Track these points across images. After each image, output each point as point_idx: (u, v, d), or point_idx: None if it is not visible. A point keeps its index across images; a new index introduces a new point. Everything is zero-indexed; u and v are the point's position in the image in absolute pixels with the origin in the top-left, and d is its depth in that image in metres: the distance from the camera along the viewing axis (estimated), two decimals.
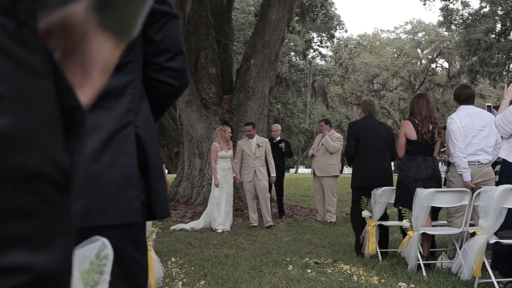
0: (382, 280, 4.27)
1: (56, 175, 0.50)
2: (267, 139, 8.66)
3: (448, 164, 5.23)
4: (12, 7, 0.49)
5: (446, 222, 5.70)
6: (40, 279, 0.47)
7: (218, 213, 7.63)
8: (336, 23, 27.71)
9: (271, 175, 8.28)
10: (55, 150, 0.51)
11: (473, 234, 4.22)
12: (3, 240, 0.45)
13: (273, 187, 9.18)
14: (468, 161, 4.79)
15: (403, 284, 4.15)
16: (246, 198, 8.33)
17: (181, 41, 1.40)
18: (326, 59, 34.90)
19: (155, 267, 3.83)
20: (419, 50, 35.94)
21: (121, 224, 1.24)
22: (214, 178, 7.83)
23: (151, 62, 1.35)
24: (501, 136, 4.58)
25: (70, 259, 0.51)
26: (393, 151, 5.81)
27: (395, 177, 5.65)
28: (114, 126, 1.24)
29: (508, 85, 4.68)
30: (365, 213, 5.48)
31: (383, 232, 5.58)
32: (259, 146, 8.11)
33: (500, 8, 21.30)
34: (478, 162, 4.82)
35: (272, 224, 7.96)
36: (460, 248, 4.42)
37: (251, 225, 8.03)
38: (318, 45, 29.79)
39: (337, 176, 8.88)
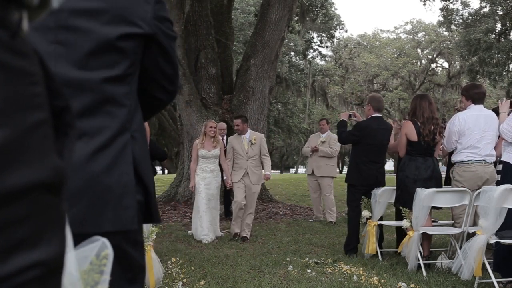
0: (382, 280, 4.27)
1: (51, 180, 0.53)
2: (262, 135, 7.39)
3: (452, 164, 5.23)
4: (5, 18, 0.50)
5: (446, 222, 5.71)
6: (49, 269, 0.52)
7: (200, 222, 6.63)
8: (336, 23, 27.71)
9: (265, 173, 7.05)
10: (49, 155, 0.53)
11: (473, 234, 4.22)
12: (7, 248, 0.48)
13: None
14: (476, 160, 4.84)
15: (403, 284, 4.15)
16: (233, 201, 7.00)
17: (178, 63, 1.51)
18: (326, 59, 34.89)
19: (155, 267, 3.83)
20: (419, 50, 35.91)
21: (117, 231, 1.27)
22: (190, 179, 6.88)
23: (153, 81, 1.44)
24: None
25: (64, 249, 0.56)
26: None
27: (392, 176, 5.66)
28: (113, 133, 1.28)
29: (502, 100, 4.86)
30: (365, 213, 5.48)
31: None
32: (252, 143, 6.90)
33: (500, 8, 21.30)
34: (485, 161, 4.84)
35: (248, 236, 6.74)
36: (460, 248, 4.43)
37: (242, 235, 6.76)
38: (318, 45, 29.81)
39: (334, 176, 8.98)
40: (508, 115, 4.63)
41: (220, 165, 6.99)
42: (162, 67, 1.42)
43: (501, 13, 21.28)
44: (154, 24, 1.37)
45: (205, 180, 6.70)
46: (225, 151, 7.17)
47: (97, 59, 1.29)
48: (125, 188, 1.28)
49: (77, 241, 1.17)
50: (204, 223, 6.61)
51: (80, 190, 1.22)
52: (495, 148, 4.92)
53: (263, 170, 7.02)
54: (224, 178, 6.92)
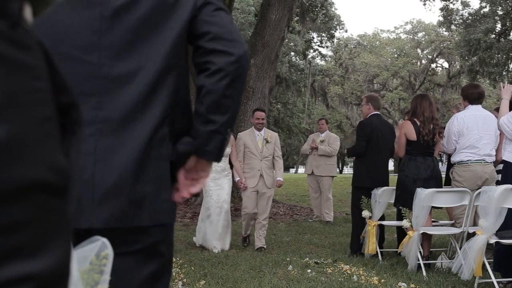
0: (382, 280, 4.27)
1: (53, 180, 0.49)
2: (276, 134, 6.63)
3: (451, 164, 5.22)
4: (4, 7, 0.48)
5: (446, 222, 5.70)
6: (43, 284, 0.47)
7: (213, 228, 5.90)
8: (336, 23, 27.67)
9: (277, 178, 6.22)
10: (52, 154, 0.50)
11: (473, 234, 4.22)
12: (1, 254, 0.44)
13: None
14: (475, 160, 4.84)
15: (403, 284, 4.15)
16: (242, 210, 6.29)
17: (232, 30, 1.37)
18: (326, 59, 34.85)
19: None
20: (419, 50, 35.91)
21: (155, 225, 1.27)
22: None
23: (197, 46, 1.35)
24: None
25: (68, 259, 0.51)
26: (392, 149, 5.80)
27: (394, 177, 5.65)
28: (151, 128, 1.26)
29: (504, 84, 4.69)
30: (365, 213, 5.48)
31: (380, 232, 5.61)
32: (267, 142, 6.12)
33: (500, 8, 21.29)
34: (484, 161, 4.84)
35: (264, 246, 6.04)
36: (460, 248, 4.43)
37: (243, 244, 6.34)
38: (318, 45, 29.73)
39: (334, 176, 8.99)
40: (510, 104, 4.57)
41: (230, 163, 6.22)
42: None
43: (501, 13, 21.27)
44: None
45: (215, 181, 5.91)
46: None
47: (140, 52, 1.27)
48: (162, 183, 1.27)
49: (118, 236, 1.17)
50: (219, 229, 5.89)
51: (116, 185, 1.21)
52: (496, 153, 4.92)
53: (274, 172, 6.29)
54: (237, 179, 6.07)
